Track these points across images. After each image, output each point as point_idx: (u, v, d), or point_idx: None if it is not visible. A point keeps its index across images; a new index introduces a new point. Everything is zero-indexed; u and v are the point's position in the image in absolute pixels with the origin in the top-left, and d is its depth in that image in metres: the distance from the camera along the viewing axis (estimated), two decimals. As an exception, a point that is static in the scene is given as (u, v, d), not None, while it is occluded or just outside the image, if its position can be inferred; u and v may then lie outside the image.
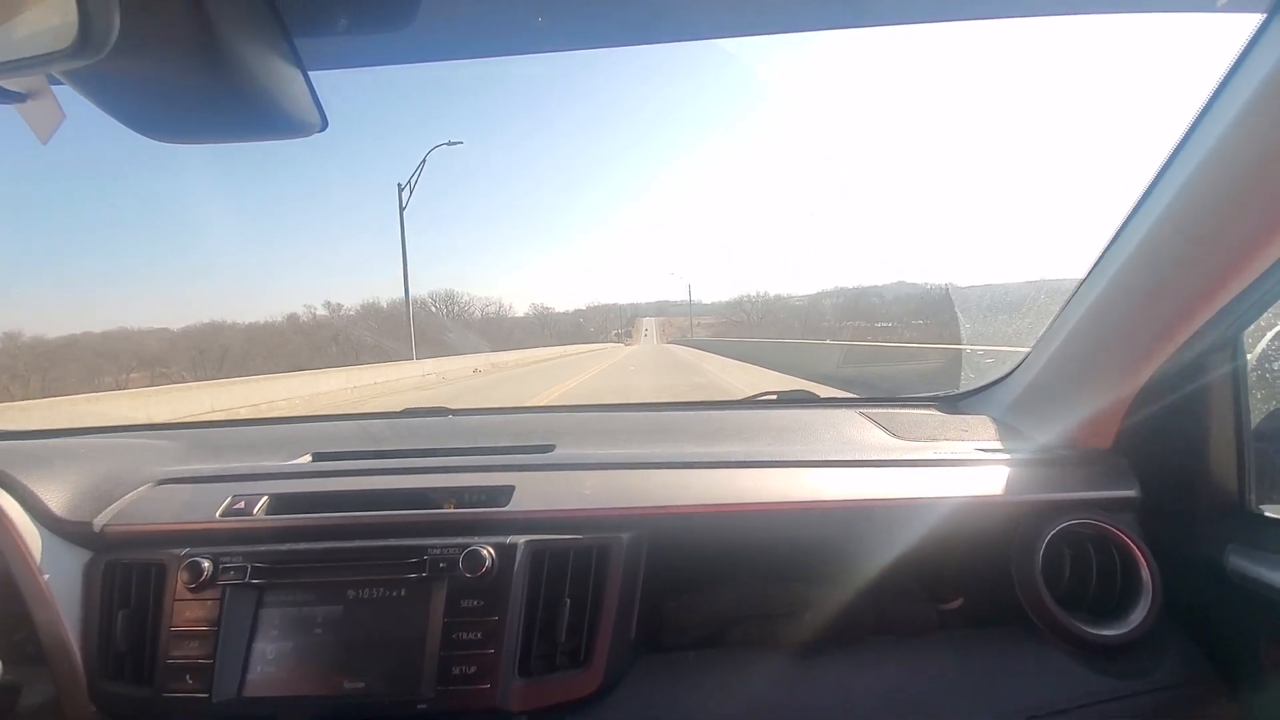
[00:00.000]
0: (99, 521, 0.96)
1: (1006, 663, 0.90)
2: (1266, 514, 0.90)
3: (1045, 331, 1.11)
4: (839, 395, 1.62)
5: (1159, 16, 0.70)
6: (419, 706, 0.83)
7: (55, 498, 0.97)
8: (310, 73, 0.66)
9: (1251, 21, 0.64)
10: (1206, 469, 0.94)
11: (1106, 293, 0.92)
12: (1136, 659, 0.88)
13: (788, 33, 0.73)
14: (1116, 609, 0.91)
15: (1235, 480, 0.92)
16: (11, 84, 0.56)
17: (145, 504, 1.01)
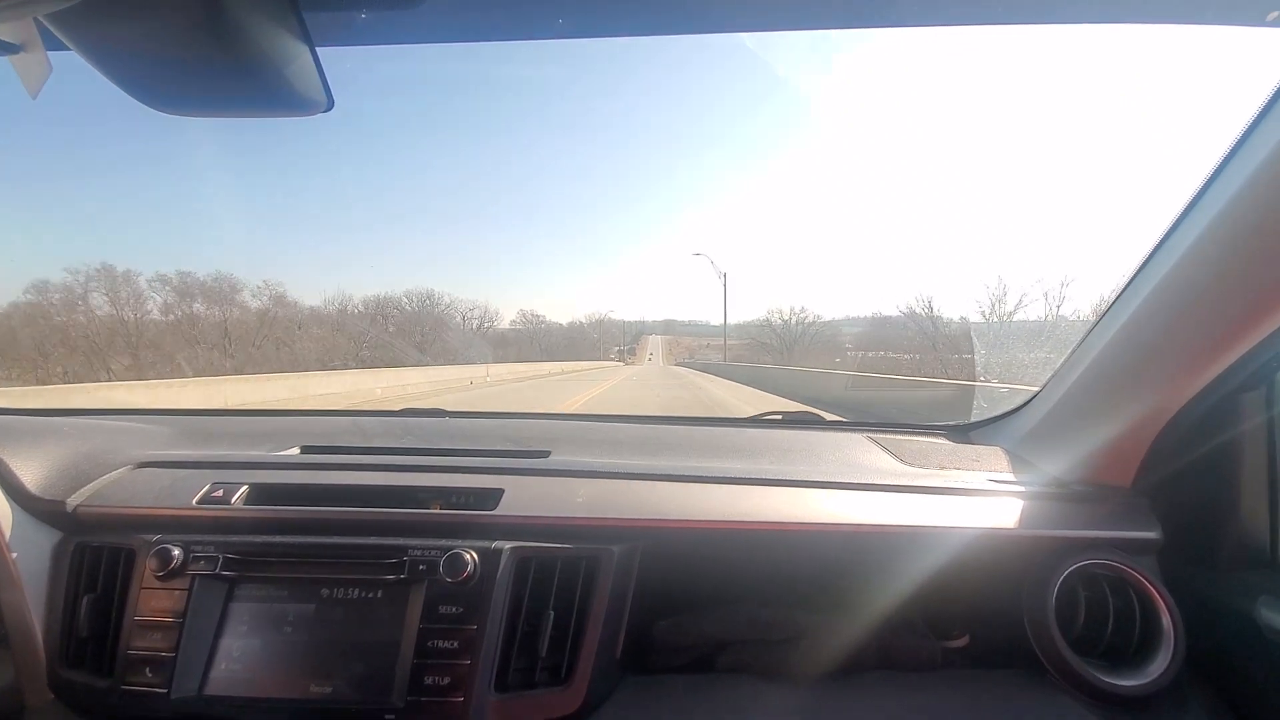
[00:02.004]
0: (72, 501, 0.94)
1: (1014, 708, 0.84)
2: None
3: (1064, 361, 1.06)
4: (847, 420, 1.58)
5: (1205, 30, 0.67)
6: (386, 717, 0.78)
7: (31, 474, 0.94)
8: (319, 49, 0.64)
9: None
10: (1236, 515, 0.89)
11: (1132, 322, 0.87)
12: (1156, 714, 0.82)
13: (820, 29, 0.70)
14: (1134, 658, 0.86)
15: (1268, 528, 0.87)
16: (3, 32, 0.54)
17: (122, 486, 0.99)
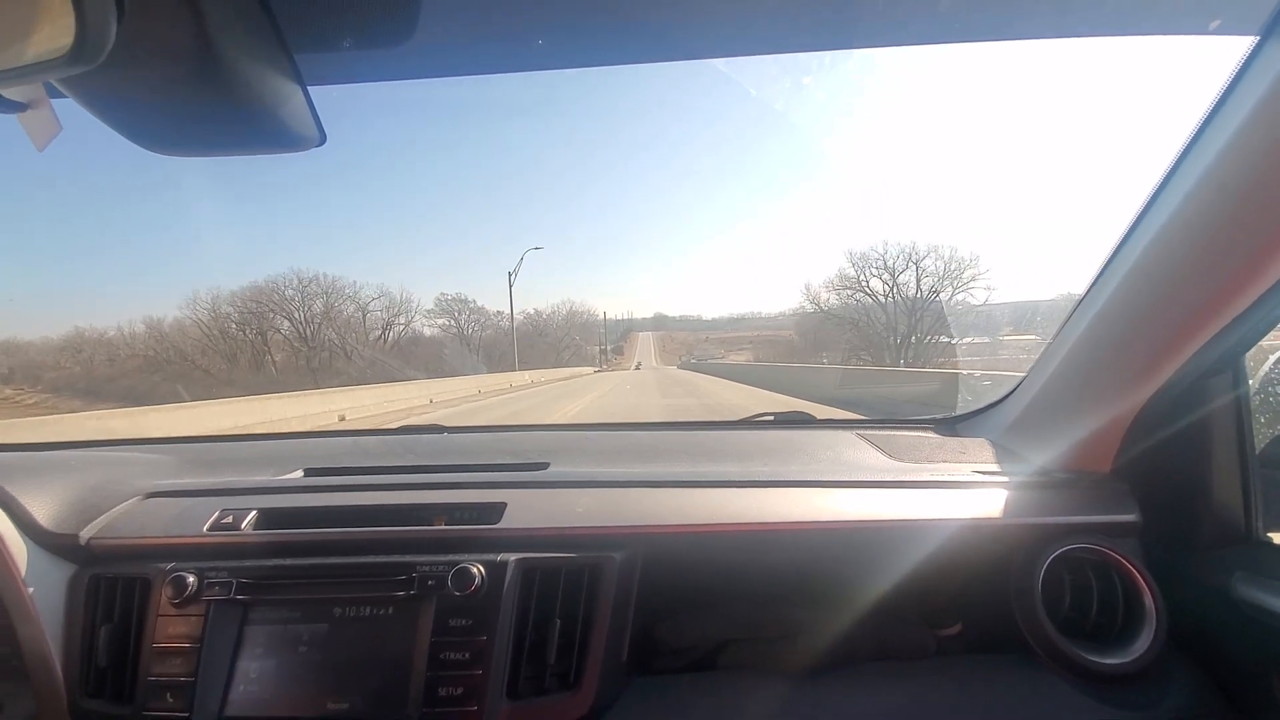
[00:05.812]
0: (85, 534, 0.95)
1: (1007, 691, 0.87)
2: (1275, 541, 0.89)
3: (1043, 352, 1.10)
4: (837, 417, 1.62)
5: (1155, 39, 0.71)
6: None
7: (42, 510, 0.96)
8: (310, 88, 0.67)
9: (1244, 44, 0.65)
10: (1210, 495, 0.93)
11: (1103, 313, 0.91)
12: (1142, 689, 0.85)
13: (788, 53, 0.74)
14: (1119, 637, 0.89)
15: (1240, 507, 0.91)
16: (11, 93, 0.56)
17: (133, 517, 1.00)
